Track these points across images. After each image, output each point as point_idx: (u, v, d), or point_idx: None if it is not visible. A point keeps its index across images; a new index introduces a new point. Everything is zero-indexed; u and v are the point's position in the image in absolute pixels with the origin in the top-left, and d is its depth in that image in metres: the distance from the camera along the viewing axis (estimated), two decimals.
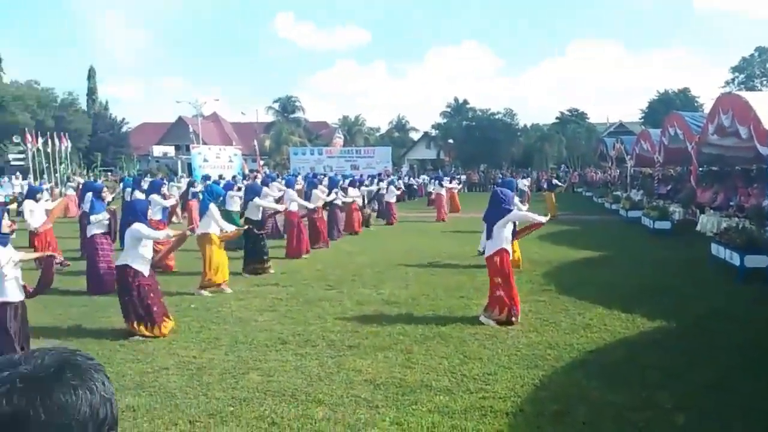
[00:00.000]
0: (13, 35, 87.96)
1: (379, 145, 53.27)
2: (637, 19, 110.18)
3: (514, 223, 6.97)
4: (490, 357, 5.33)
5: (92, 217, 8.04)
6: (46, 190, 12.04)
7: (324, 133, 59.92)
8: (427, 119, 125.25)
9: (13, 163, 35.89)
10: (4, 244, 4.51)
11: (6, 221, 4.53)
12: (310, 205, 11.67)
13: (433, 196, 21.00)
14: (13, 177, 23.31)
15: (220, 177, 23.90)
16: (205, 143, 44.35)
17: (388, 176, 31.93)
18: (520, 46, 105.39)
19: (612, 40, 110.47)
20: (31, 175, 28.38)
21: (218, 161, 37.85)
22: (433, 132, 55.53)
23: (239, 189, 11.92)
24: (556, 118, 54.81)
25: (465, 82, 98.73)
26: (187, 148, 44.99)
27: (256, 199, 9.77)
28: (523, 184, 23.04)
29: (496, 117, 52.34)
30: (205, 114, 53.18)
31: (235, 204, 11.71)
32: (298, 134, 55.02)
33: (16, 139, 32.07)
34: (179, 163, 46.51)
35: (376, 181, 22.02)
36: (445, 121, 54.69)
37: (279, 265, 10.09)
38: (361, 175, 30.97)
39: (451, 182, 24.27)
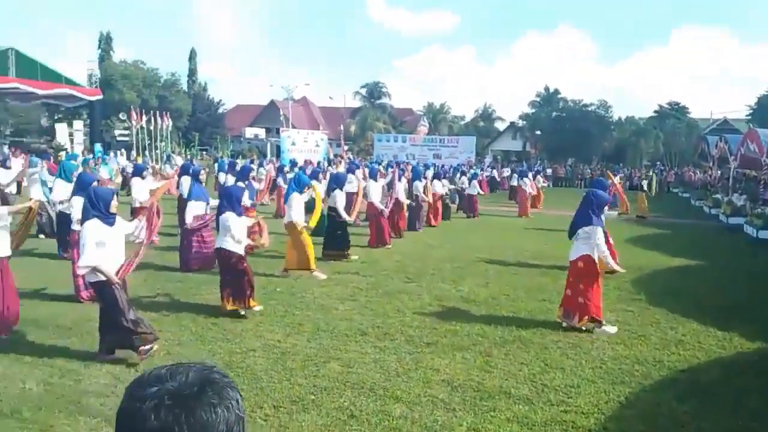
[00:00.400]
0: (123, 16, 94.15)
1: (463, 134, 52.65)
2: (750, 4, 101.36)
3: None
4: (573, 368, 5.18)
5: (191, 202, 8.54)
6: (149, 168, 12.78)
7: (408, 120, 59.89)
8: (515, 109, 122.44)
9: (119, 138, 38.66)
10: (111, 224, 4.84)
11: (114, 202, 4.88)
12: (386, 211, 11.54)
13: (519, 192, 20.44)
14: (119, 153, 25.12)
15: (307, 162, 24.57)
16: (294, 127, 45.69)
17: (471, 167, 31.54)
18: (618, 32, 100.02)
19: (720, 27, 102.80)
20: (134, 151, 30.43)
21: (305, 145, 38.87)
22: (520, 122, 54.06)
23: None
24: (654, 111, 51.71)
25: (557, 70, 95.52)
26: (277, 131, 46.50)
27: (337, 192, 9.95)
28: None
29: (589, 108, 50.08)
30: (296, 98, 54.62)
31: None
32: (383, 120, 55.34)
33: (122, 116, 34.43)
34: (268, 145, 48.17)
35: (459, 173, 21.76)
36: (533, 111, 53.06)
37: (359, 254, 10.25)
38: (443, 166, 30.85)
39: (536, 176, 23.61)
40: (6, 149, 27.11)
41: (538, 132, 51.12)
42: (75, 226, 6.19)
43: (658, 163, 44.54)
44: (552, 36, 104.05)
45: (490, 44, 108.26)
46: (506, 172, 34.40)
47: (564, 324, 6.34)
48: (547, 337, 6.04)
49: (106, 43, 52.43)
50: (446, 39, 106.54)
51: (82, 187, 6.53)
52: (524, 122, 53.45)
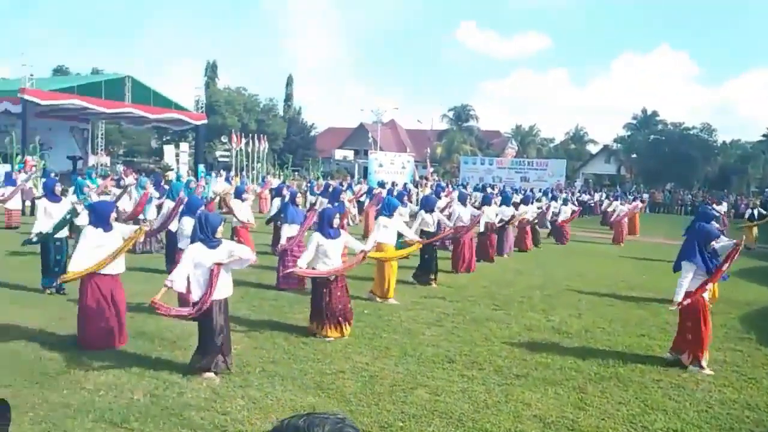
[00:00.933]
0: (227, 45, 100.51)
1: (552, 156, 51.31)
2: None
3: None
4: (676, 410, 4.85)
5: (286, 225, 8.91)
6: (248, 190, 13.45)
7: (496, 143, 59.29)
8: (608, 131, 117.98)
9: (219, 159, 41.07)
10: (214, 248, 5.13)
11: (221, 228, 5.18)
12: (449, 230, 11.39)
13: (612, 216, 19.55)
14: (219, 174, 26.69)
15: (393, 184, 24.88)
16: (381, 149, 46.48)
17: (561, 191, 30.63)
18: (722, 52, 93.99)
19: None
20: (232, 172, 32.21)
21: (392, 167, 39.39)
22: (614, 145, 51.95)
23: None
24: (763, 135, 47.99)
25: (655, 91, 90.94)
26: (365, 153, 47.55)
27: (424, 215, 9.98)
28: (718, 210, 20.57)
29: (690, 132, 47.32)
30: (384, 121, 55.69)
31: None
32: (469, 143, 55.11)
33: (224, 139, 36.59)
34: (356, 166, 49.31)
35: (548, 198, 21.20)
36: (628, 133, 50.88)
37: (445, 279, 10.19)
38: (532, 190, 30.17)
39: (632, 202, 22.52)
40: (120, 168, 29.62)
41: (634, 155, 48.85)
42: (182, 245, 6.60)
43: (767, 190, 41.15)
44: (650, 57, 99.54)
45: (583, 66, 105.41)
46: (598, 196, 33.08)
47: (667, 356, 6.00)
48: (647, 376, 5.71)
49: (211, 70, 56.20)
50: (537, 61, 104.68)
51: (191, 209, 7.00)
52: (619, 145, 51.32)
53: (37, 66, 24.11)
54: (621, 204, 19.37)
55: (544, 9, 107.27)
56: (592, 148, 57.37)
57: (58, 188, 8.34)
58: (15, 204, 13.31)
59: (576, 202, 24.73)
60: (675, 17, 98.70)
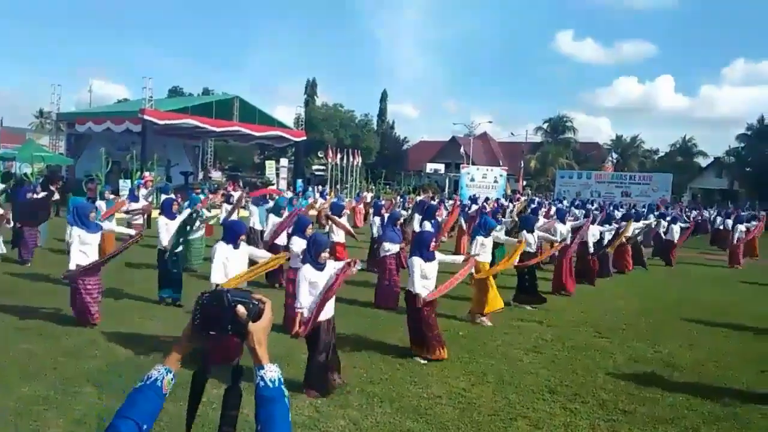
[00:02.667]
0: (326, 63, 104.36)
1: (656, 169, 48.50)
2: None
3: None
4: None
5: (385, 245, 9.11)
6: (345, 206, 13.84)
7: (594, 155, 56.95)
8: (718, 143, 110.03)
9: (316, 173, 42.58)
10: (321, 270, 5.35)
11: (325, 254, 5.40)
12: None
13: (736, 239, 17.65)
14: (316, 189, 27.68)
15: (486, 200, 24.59)
16: (473, 163, 46.15)
17: (667, 207, 28.85)
18: None
19: None
20: (328, 186, 33.27)
21: (484, 181, 39.01)
22: (727, 158, 48.21)
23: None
24: None
25: None
26: (457, 167, 47.38)
27: (526, 234, 9.80)
28: None
29: None
30: (476, 134, 55.28)
31: None
32: (565, 155, 53.38)
33: (320, 154, 37.93)
34: (447, 180, 49.24)
35: (654, 214, 20.00)
36: (742, 145, 47.01)
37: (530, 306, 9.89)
38: (635, 206, 28.63)
39: (751, 220, 20.71)
40: (224, 180, 31.51)
41: (748, 169, 45.03)
42: (292, 264, 6.94)
43: None
44: (765, 64, 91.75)
45: (690, 74, 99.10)
46: (707, 213, 30.74)
47: None
48: None
49: (311, 88, 58.61)
50: (640, 69, 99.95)
51: (299, 228, 7.36)
52: (732, 158, 47.56)
53: (154, 87, 26.16)
54: (739, 223, 17.79)
55: (647, 16, 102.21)
56: (702, 161, 53.70)
57: (175, 206, 9.03)
58: (138, 219, 14.47)
59: (687, 219, 23.07)
60: None
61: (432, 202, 21.33)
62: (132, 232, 7.71)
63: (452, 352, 6.78)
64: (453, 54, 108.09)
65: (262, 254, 6.98)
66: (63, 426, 4.52)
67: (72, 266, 7.02)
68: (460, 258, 7.32)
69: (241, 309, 1.51)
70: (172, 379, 1.55)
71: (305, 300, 5.22)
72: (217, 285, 6.16)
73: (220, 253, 6.26)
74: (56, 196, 14.50)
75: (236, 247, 6.36)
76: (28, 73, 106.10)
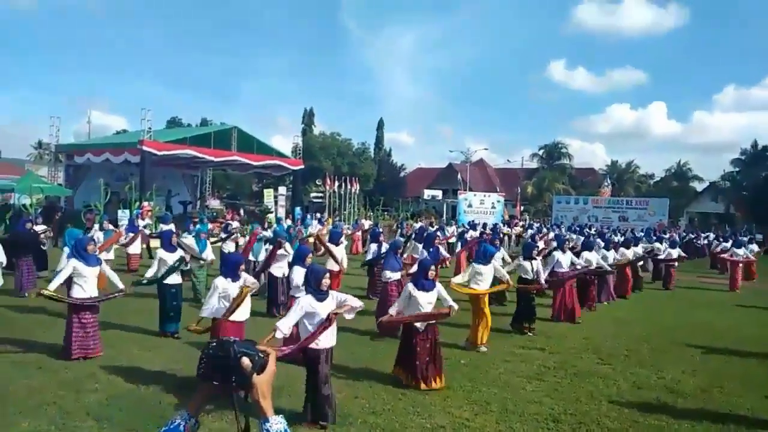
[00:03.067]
0: (322, 93, 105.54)
1: (652, 194, 48.79)
2: None
3: None
4: None
5: (386, 272, 9.13)
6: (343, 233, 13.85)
7: (590, 181, 57.29)
8: (713, 168, 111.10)
9: (313, 201, 42.70)
10: (322, 300, 5.34)
11: (326, 281, 5.39)
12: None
13: (728, 262, 17.84)
14: (315, 216, 27.71)
15: (484, 226, 24.63)
16: (470, 189, 46.36)
17: (665, 232, 28.94)
18: None
19: None
20: (326, 213, 33.32)
21: (482, 207, 39.14)
22: (722, 183, 48.56)
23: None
24: None
25: (765, 125, 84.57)
26: (454, 193, 47.60)
27: (522, 261, 9.83)
28: None
29: None
30: (473, 160, 55.65)
31: None
32: (562, 181, 53.67)
33: (318, 182, 38.10)
34: (445, 206, 49.38)
35: (651, 238, 20.07)
36: (737, 170, 47.40)
37: (543, 328, 9.88)
38: (633, 231, 28.72)
39: (749, 244, 20.75)
40: (221, 208, 31.58)
41: (744, 193, 45.31)
42: (293, 293, 6.92)
43: None
44: (756, 89, 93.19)
45: (682, 100, 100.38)
46: (704, 237, 30.81)
47: None
48: None
49: (308, 117, 59.16)
50: (632, 96, 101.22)
51: (299, 257, 7.37)
52: (727, 182, 47.91)
53: (153, 119, 26.36)
54: (738, 247, 17.88)
55: (637, 44, 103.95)
56: (697, 186, 54.05)
57: (174, 240, 9.04)
58: (135, 248, 14.48)
59: (681, 245, 23.11)
60: None
61: (431, 228, 21.39)
62: (122, 285, 7.65)
63: (454, 381, 6.75)
64: (448, 82, 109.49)
65: (254, 281, 6.92)
66: None
67: (65, 294, 7.05)
68: (449, 302, 6.78)
69: (246, 361, 1.53)
70: (194, 424, 1.57)
71: (287, 324, 5.15)
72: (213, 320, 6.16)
73: (219, 288, 6.25)
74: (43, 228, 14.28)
75: (235, 279, 6.34)
76: (27, 104, 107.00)
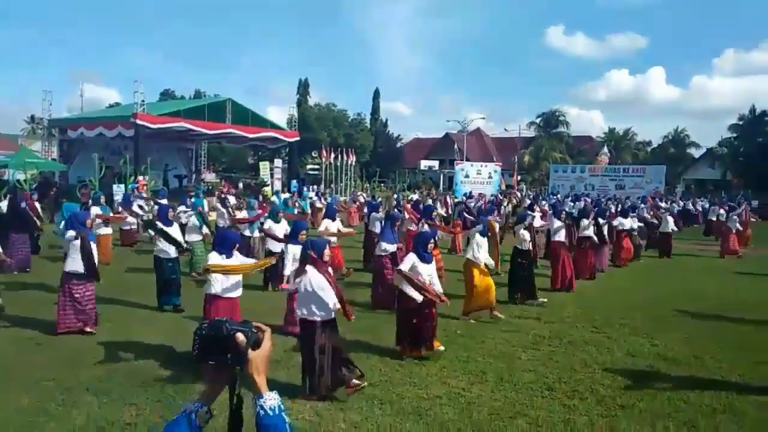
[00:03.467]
0: (317, 63, 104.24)
1: (650, 161, 48.67)
2: None
3: None
4: None
5: (382, 244, 9.14)
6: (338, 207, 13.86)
7: (587, 148, 57.12)
8: (711, 134, 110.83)
9: (309, 172, 42.55)
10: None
11: (327, 251, 5.44)
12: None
13: (722, 228, 18.08)
14: (311, 188, 27.65)
15: (481, 195, 24.62)
16: (467, 159, 46.18)
17: (661, 200, 28.97)
18: None
19: None
20: (323, 185, 33.24)
21: (479, 177, 39.06)
22: (719, 149, 48.43)
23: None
24: None
25: (764, 90, 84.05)
26: (451, 163, 47.43)
27: (522, 231, 9.83)
28: None
29: None
30: (470, 130, 55.31)
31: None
32: (559, 150, 53.47)
33: (314, 154, 37.89)
34: (442, 176, 49.30)
35: (647, 206, 20.08)
36: (735, 135, 47.23)
37: (541, 297, 9.94)
38: (628, 198, 28.75)
39: (744, 210, 20.80)
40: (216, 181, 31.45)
41: (741, 159, 45.25)
42: (286, 271, 6.91)
43: None
44: (756, 53, 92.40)
45: (681, 65, 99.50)
46: (701, 204, 30.89)
47: None
48: (767, 410, 5.31)
49: (303, 88, 58.51)
50: (632, 61, 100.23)
51: (293, 234, 7.35)
52: (724, 149, 47.78)
53: (146, 91, 26.05)
54: (732, 214, 17.95)
55: (637, 8, 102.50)
56: (695, 152, 53.91)
57: (171, 213, 9.01)
58: (130, 224, 14.48)
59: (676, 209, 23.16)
60: None
61: (428, 200, 21.37)
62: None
63: (451, 352, 6.82)
64: (444, 51, 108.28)
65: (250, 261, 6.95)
66: None
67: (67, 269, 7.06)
68: (439, 288, 6.83)
69: (240, 337, 1.53)
70: (206, 413, 1.57)
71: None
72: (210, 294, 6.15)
73: (212, 263, 6.17)
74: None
75: (229, 256, 6.27)
76: (19, 78, 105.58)
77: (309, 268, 5.33)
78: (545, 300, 9.61)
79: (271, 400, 1.56)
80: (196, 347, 1.55)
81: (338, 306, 5.39)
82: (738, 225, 17.47)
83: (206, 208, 12.76)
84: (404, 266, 6.63)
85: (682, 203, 31.25)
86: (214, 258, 6.18)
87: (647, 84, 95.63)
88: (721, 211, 20.12)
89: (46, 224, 14.36)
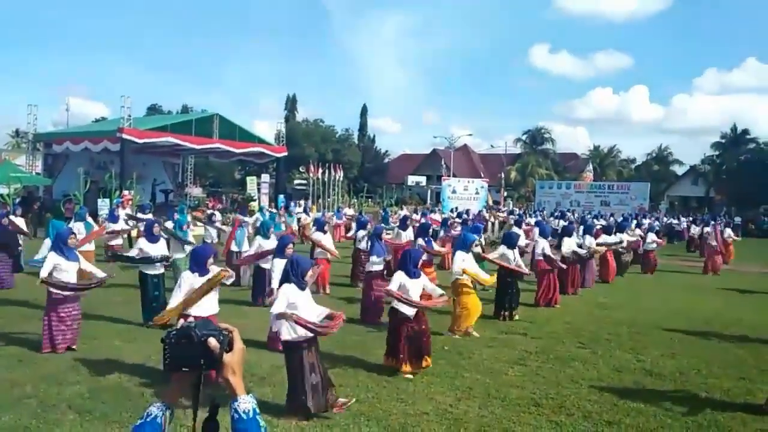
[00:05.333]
0: (305, 79, 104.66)
1: (634, 178, 49.34)
2: None
3: None
4: None
5: (372, 258, 9.16)
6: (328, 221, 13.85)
7: (572, 165, 57.81)
8: (694, 152, 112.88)
9: (297, 188, 42.47)
10: (303, 289, 5.31)
11: (311, 272, 5.38)
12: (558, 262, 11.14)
13: (705, 245, 18.27)
14: (298, 204, 27.54)
15: (468, 212, 24.72)
16: (454, 175, 46.46)
17: (645, 216, 29.31)
18: None
19: None
20: (310, 201, 33.17)
21: (465, 193, 39.27)
22: (703, 167, 49.23)
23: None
24: None
25: (744, 109, 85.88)
26: (438, 179, 47.64)
27: (504, 248, 9.89)
28: None
29: None
30: (457, 146, 55.71)
31: None
32: (545, 166, 54.09)
33: (302, 169, 37.88)
34: (429, 192, 49.47)
35: (633, 225, 20.28)
36: (717, 153, 48.10)
37: (525, 313, 9.98)
38: (612, 214, 29.04)
39: (726, 227, 21.11)
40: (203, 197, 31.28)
41: (724, 177, 46.02)
42: (273, 284, 6.86)
43: None
44: (736, 73, 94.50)
45: (664, 84, 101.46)
46: (685, 221, 31.27)
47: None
48: (750, 425, 5.37)
49: (291, 104, 58.71)
50: (615, 80, 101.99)
51: (280, 249, 7.32)
52: (707, 166, 48.58)
53: (133, 105, 25.89)
54: (713, 230, 18.18)
55: (621, 27, 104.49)
56: (678, 170, 54.75)
57: (156, 229, 8.94)
58: (116, 239, 14.30)
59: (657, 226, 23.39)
60: (761, 30, 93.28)
61: (415, 215, 21.41)
62: (102, 274, 7.49)
63: (438, 367, 6.79)
64: (431, 68, 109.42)
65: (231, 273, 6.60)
66: None
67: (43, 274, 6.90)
68: (439, 291, 6.94)
69: (213, 342, 1.50)
70: (171, 415, 1.55)
71: (279, 308, 5.10)
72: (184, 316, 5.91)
73: (184, 283, 5.92)
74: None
75: (203, 273, 6.00)
76: (3, 91, 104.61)
77: (290, 287, 5.26)
78: (515, 319, 9.61)
79: (245, 403, 1.53)
80: (167, 357, 1.51)
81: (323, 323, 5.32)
82: (713, 242, 17.65)
83: (189, 225, 12.64)
84: (393, 286, 6.63)
85: (666, 219, 31.63)
86: (187, 278, 5.94)
87: (630, 102, 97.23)
88: (707, 228, 20.39)
89: (29, 240, 14.17)
